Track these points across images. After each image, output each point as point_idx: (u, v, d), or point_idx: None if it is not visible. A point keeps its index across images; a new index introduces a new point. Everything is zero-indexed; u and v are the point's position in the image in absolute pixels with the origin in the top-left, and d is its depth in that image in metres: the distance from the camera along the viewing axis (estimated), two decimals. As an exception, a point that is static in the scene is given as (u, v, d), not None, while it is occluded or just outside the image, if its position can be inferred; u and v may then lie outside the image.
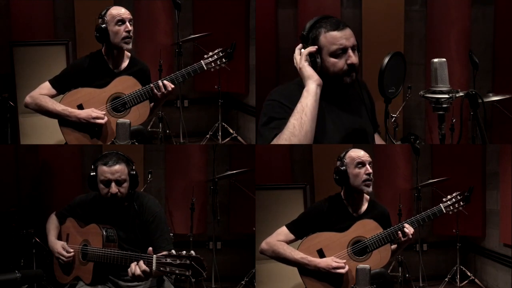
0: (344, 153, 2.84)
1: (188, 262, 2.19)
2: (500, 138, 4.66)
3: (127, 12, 2.99)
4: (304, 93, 2.32)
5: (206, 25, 5.09)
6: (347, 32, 2.37)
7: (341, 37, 2.35)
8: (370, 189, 2.83)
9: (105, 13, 2.97)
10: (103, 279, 2.71)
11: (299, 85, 2.38)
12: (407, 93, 4.68)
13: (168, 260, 2.23)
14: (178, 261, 2.20)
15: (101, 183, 2.69)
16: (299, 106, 2.29)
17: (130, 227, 2.72)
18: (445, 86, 2.18)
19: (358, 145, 2.83)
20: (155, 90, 2.92)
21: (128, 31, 2.95)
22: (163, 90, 2.92)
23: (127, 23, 2.95)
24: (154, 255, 2.29)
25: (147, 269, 2.32)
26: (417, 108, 5.08)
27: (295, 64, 2.42)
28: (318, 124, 2.32)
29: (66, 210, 2.90)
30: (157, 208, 2.76)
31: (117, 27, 2.93)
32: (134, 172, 2.73)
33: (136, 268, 2.35)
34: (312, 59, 2.36)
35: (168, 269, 2.22)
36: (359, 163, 2.79)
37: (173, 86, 2.94)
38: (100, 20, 2.96)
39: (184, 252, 2.21)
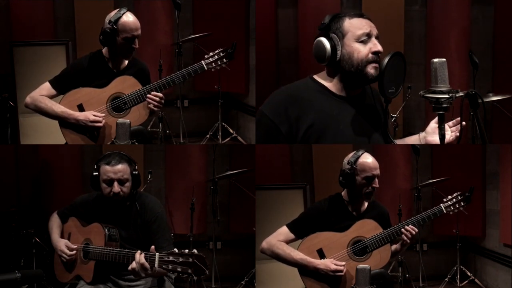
0: (355, 158, 2.78)
1: (190, 260, 2.20)
2: (500, 138, 4.66)
3: (139, 27, 2.92)
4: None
5: (206, 25, 5.09)
6: (370, 22, 2.36)
7: (366, 23, 2.33)
8: (371, 199, 2.84)
9: (117, 20, 2.87)
10: (104, 278, 2.71)
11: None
12: (407, 93, 4.68)
13: (171, 258, 2.24)
14: (180, 259, 2.21)
15: (104, 182, 2.69)
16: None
17: (132, 227, 2.73)
18: (445, 86, 2.17)
19: (358, 145, 2.83)
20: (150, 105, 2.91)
21: (134, 48, 2.93)
22: (154, 102, 2.91)
23: (136, 40, 2.92)
24: (157, 253, 2.30)
25: (146, 263, 2.33)
26: (417, 108, 5.08)
27: None
28: (333, 124, 2.31)
29: (67, 209, 2.90)
30: (159, 209, 2.77)
31: (125, 42, 2.89)
32: (136, 172, 2.74)
33: (141, 256, 2.36)
34: (333, 48, 2.30)
35: (170, 266, 2.23)
36: (369, 176, 2.77)
37: (160, 95, 2.91)
38: (108, 24, 2.88)
39: (187, 250, 2.23)
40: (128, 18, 2.90)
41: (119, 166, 2.68)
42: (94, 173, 2.71)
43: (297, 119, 2.30)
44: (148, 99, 2.91)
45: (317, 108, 2.31)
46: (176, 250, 2.25)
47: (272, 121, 2.30)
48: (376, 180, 2.79)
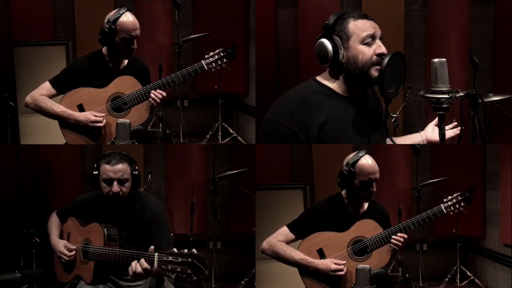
0: (354, 160, 2.77)
1: (189, 260, 2.19)
2: (500, 138, 4.66)
3: (138, 27, 2.92)
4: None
5: (206, 25, 5.09)
6: (375, 23, 2.36)
7: (371, 24, 2.33)
8: (369, 201, 2.84)
9: (115, 20, 2.87)
10: (103, 279, 2.71)
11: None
12: (407, 93, 4.68)
13: (170, 258, 2.23)
14: (179, 259, 2.20)
15: (103, 181, 2.68)
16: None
17: (131, 227, 2.72)
18: (445, 86, 2.17)
19: (357, 145, 2.82)
20: (152, 102, 2.92)
21: (133, 48, 2.93)
22: (158, 100, 2.91)
23: (134, 41, 2.92)
24: (156, 253, 2.29)
25: (148, 267, 2.32)
26: (417, 108, 5.08)
27: None
28: (344, 126, 2.31)
29: (67, 209, 2.90)
30: (159, 210, 2.76)
31: (123, 42, 2.90)
32: (137, 172, 2.73)
33: (137, 266, 2.36)
34: (335, 50, 2.30)
35: (169, 267, 2.22)
36: (366, 181, 2.76)
37: (164, 94, 2.92)
38: (107, 24, 2.88)
39: (186, 250, 2.22)
40: (127, 18, 2.90)
41: (119, 166, 2.66)
42: (94, 172, 2.70)
43: (310, 123, 2.28)
44: (152, 96, 2.90)
45: (326, 111, 2.31)
46: (175, 250, 2.24)
47: (289, 129, 2.27)
48: (374, 184, 2.77)
